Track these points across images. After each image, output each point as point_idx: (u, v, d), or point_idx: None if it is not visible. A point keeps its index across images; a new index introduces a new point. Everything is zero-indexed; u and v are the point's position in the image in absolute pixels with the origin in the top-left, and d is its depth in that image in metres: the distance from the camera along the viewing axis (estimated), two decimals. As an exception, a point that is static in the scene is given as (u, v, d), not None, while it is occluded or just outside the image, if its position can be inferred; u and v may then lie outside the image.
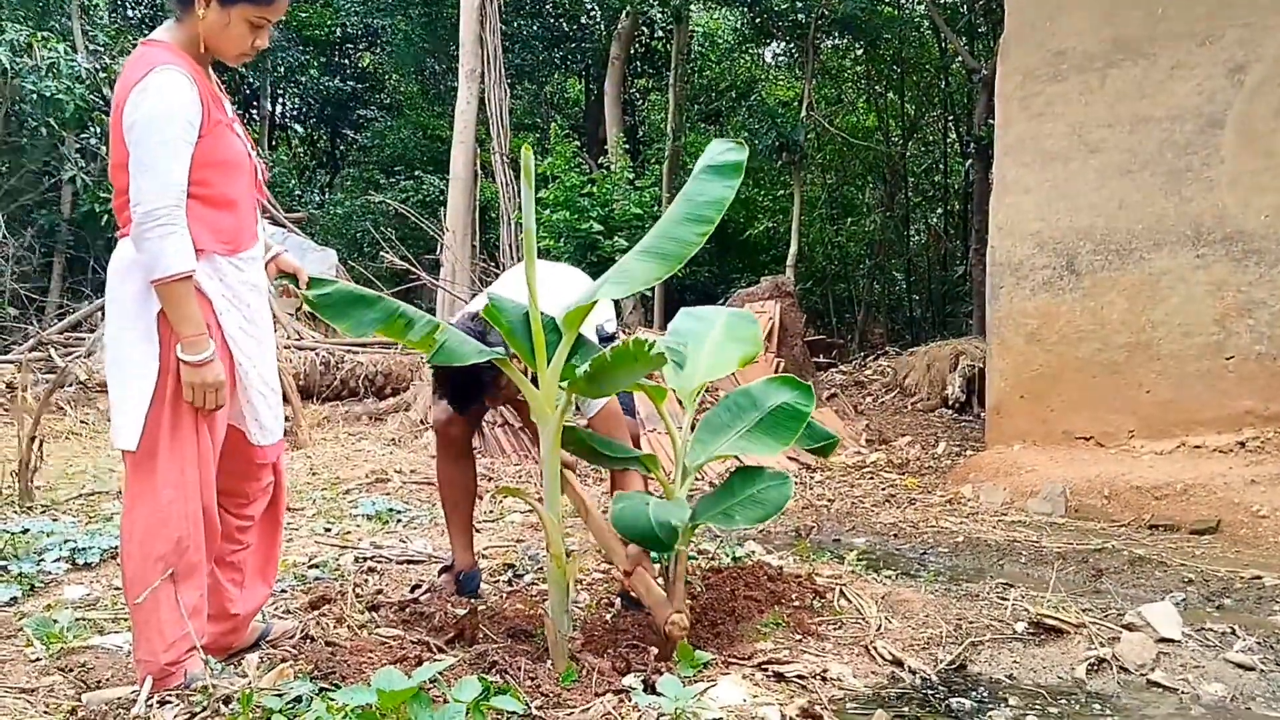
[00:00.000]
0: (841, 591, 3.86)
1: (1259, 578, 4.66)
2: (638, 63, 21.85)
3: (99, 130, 14.93)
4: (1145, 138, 6.86)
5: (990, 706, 2.98)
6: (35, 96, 12.76)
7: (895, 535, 5.91)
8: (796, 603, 3.74)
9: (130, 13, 20.63)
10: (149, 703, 2.60)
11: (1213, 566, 4.93)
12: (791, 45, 19.61)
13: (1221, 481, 5.96)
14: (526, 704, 2.54)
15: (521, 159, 2.87)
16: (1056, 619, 3.44)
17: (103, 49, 14.69)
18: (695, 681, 2.86)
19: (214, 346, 2.67)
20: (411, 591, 3.91)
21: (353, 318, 3.00)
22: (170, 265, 2.56)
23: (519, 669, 2.85)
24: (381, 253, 13.88)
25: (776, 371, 9.81)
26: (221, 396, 2.70)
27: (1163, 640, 3.34)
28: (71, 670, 2.95)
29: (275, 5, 2.76)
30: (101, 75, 13.65)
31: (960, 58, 16.24)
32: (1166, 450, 6.58)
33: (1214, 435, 6.49)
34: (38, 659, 3.07)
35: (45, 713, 2.69)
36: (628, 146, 17.62)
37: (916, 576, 4.65)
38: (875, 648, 3.31)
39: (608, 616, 3.69)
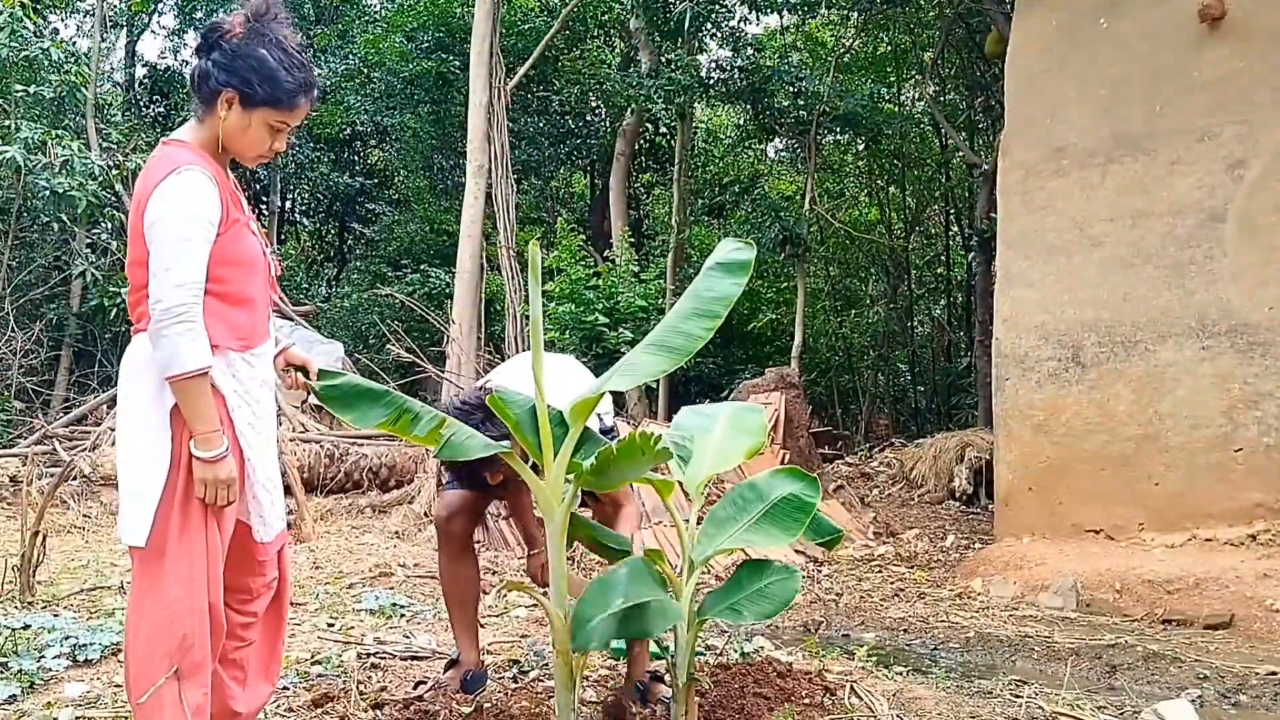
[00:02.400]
0: (852, 688, 3.81)
1: (1274, 673, 4.60)
2: (642, 158, 22.15)
3: (110, 226, 15.10)
4: (1147, 231, 6.93)
5: (1006, 808, 2.92)
6: (48, 193, 12.94)
7: (905, 630, 5.84)
8: (807, 700, 3.68)
9: (144, 111, 21.01)
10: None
11: (1227, 662, 4.86)
12: (794, 141, 19.91)
13: (1234, 575, 5.90)
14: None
15: (529, 254, 2.90)
16: (1072, 717, 3.38)
17: (115, 146, 14.92)
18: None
19: (227, 443, 2.67)
20: (415, 688, 3.85)
21: (359, 410, 3.01)
22: (187, 362, 2.58)
23: (525, 769, 2.79)
24: (388, 345, 13.95)
25: (782, 463, 9.78)
26: (233, 493, 2.69)
27: (1181, 739, 3.28)
28: (70, 771, 2.90)
29: (295, 110, 2.81)
30: (114, 172, 13.85)
31: (961, 153, 16.47)
32: (1177, 543, 6.53)
33: (1225, 528, 6.45)
34: (36, 759, 3.03)
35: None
36: (632, 240, 17.75)
37: (928, 673, 4.59)
38: (888, 747, 3.25)
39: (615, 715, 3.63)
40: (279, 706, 3.53)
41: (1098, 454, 7.04)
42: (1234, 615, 5.67)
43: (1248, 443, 6.52)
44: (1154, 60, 7.06)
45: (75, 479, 9.23)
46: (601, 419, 3.86)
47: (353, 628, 5.10)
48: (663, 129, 21.38)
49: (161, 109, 21.27)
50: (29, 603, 5.34)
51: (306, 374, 3.10)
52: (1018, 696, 3.86)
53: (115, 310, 13.68)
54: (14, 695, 3.69)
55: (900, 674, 4.34)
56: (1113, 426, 7.00)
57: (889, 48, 18.67)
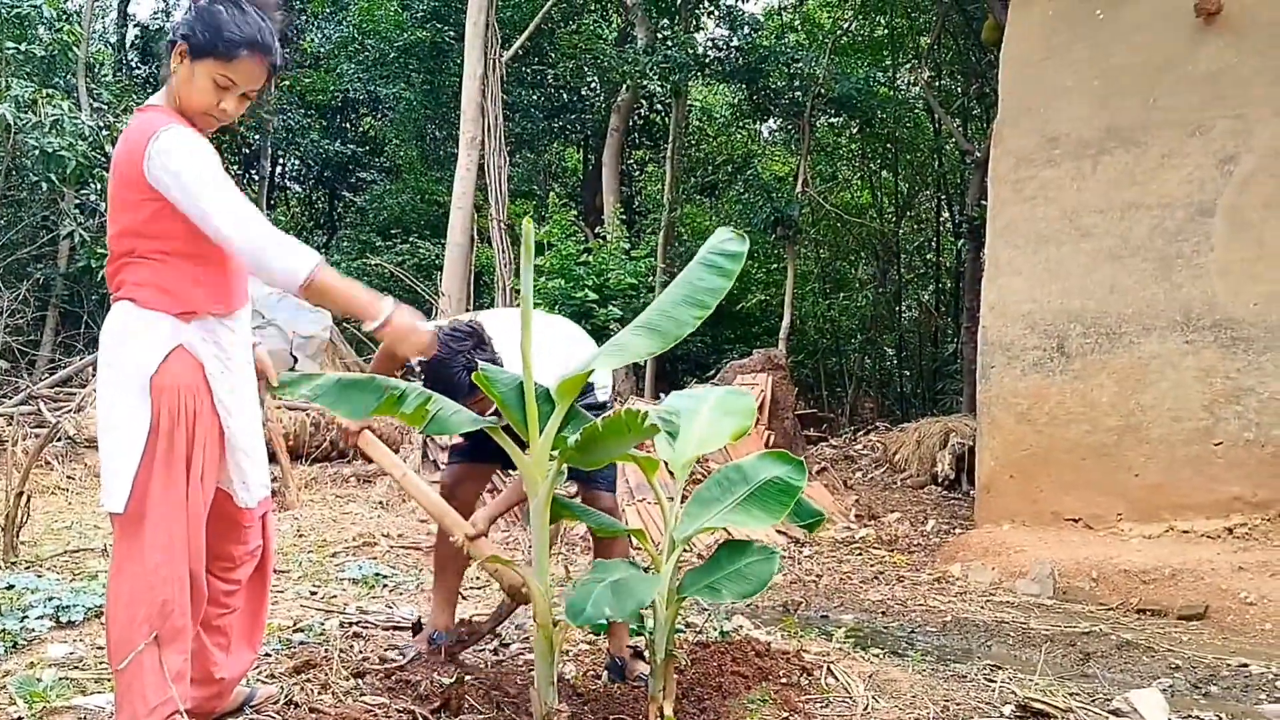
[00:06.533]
0: (829, 669, 3.84)
1: (1245, 665, 4.65)
2: (636, 134, 22.09)
3: (99, 187, 15.00)
4: (1136, 224, 6.96)
5: (976, 791, 2.96)
6: (37, 152, 12.85)
7: (883, 613, 5.89)
8: (784, 679, 3.71)
9: (135, 72, 20.87)
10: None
11: (1200, 653, 4.92)
12: (788, 122, 19.88)
13: (1209, 567, 5.96)
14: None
15: (522, 231, 2.91)
16: (1044, 703, 3.42)
17: (106, 107, 14.83)
18: (681, 758, 2.84)
19: (393, 302, 2.72)
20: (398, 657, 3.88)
21: (351, 402, 3.09)
22: (305, 262, 2.60)
23: (504, 741, 2.83)
24: (376, 316, 13.91)
25: (767, 444, 9.82)
26: (426, 341, 2.81)
27: (1150, 727, 3.32)
28: (53, 731, 2.93)
29: (235, 64, 2.72)
30: (104, 133, 13.76)
31: (954, 139, 16.48)
32: (1155, 534, 6.59)
33: (1202, 520, 6.51)
34: (20, 719, 3.04)
35: (24, 774, 2.66)
36: (624, 216, 17.74)
37: (904, 656, 4.63)
38: (862, 728, 3.29)
39: (594, 688, 3.67)
40: (261, 673, 3.55)
41: (1079, 444, 7.09)
42: (1208, 607, 5.73)
43: (1228, 436, 6.57)
44: (1149, 53, 7.07)
45: (60, 440, 9.23)
46: (594, 394, 3.86)
47: (335, 596, 5.12)
48: (657, 106, 21.33)
49: (152, 70, 21.12)
50: (13, 563, 5.36)
51: (268, 381, 3.15)
52: (991, 681, 3.90)
53: (102, 272, 13.58)
54: (-3, 654, 3.71)
55: (877, 656, 4.39)
56: (1095, 417, 7.05)
57: (886, 31, 18.64)
